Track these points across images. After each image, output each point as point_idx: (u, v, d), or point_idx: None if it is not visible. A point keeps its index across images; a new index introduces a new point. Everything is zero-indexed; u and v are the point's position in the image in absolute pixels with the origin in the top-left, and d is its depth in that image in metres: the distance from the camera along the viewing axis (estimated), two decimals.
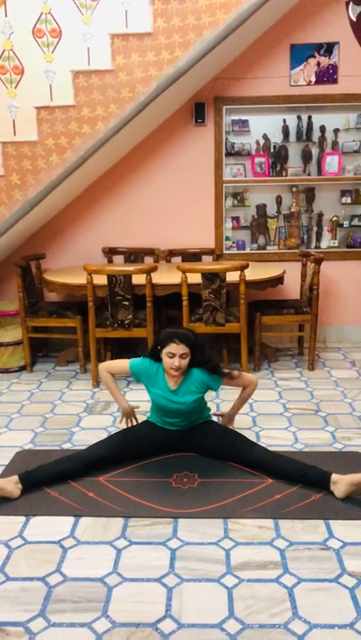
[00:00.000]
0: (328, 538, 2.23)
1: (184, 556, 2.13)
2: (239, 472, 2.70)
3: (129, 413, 2.98)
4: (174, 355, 2.63)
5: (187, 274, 3.75)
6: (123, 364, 2.89)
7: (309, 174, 4.66)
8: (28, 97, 3.97)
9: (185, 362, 2.67)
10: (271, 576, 2.02)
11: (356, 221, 4.75)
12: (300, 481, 2.57)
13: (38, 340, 4.58)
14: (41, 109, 3.80)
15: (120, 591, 1.95)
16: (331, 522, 2.32)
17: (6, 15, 3.96)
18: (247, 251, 4.81)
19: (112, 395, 2.99)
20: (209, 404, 2.98)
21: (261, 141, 4.64)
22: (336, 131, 4.60)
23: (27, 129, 3.91)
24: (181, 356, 2.64)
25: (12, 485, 2.50)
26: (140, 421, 2.99)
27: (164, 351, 2.66)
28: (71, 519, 2.37)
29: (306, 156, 4.63)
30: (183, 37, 3.61)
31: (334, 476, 2.50)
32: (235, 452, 2.74)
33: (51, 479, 2.60)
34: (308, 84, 4.47)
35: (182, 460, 2.81)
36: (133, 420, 2.99)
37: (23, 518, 2.38)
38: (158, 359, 2.73)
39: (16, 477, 2.54)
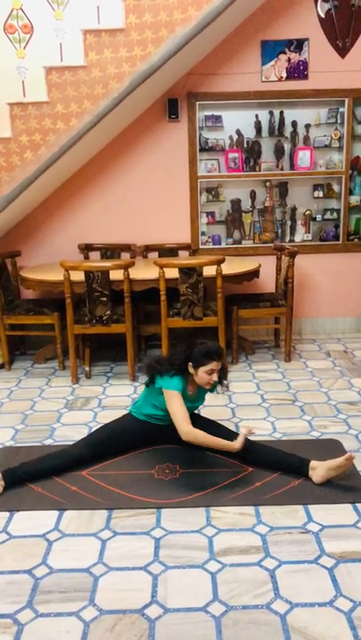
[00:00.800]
0: (307, 522, 2.30)
1: (168, 545, 2.17)
2: (220, 461, 2.75)
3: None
4: (214, 371, 2.66)
5: (164, 269, 3.78)
6: (178, 400, 2.62)
7: (282, 169, 4.73)
8: (1, 93, 3.94)
9: (218, 375, 2.71)
10: (253, 560, 2.07)
11: (328, 215, 4.85)
12: (279, 468, 2.64)
13: (16, 338, 4.56)
14: (14, 106, 3.78)
15: (106, 580, 1.98)
16: (310, 506, 2.39)
17: None
18: (223, 245, 4.87)
19: (217, 446, 2.60)
20: None
21: (235, 137, 4.69)
22: (307, 126, 4.68)
23: (0, 125, 3.89)
24: (218, 372, 2.68)
25: None
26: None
27: (205, 369, 2.63)
28: (55, 513, 2.39)
29: (278, 151, 4.71)
30: (155, 34, 3.63)
31: (313, 463, 2.57)
32: None
33: (34, 477, 2.61)
34: (280, 79, 4.54)
35: (164, 452, 2.85)
36: None
37: (7, 514, 2.39)
38: (185, 372, 2.69)
39: None
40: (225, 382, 2.86)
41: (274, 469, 2.65)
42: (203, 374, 2.65)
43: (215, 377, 2.68)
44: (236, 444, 2.55)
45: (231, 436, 2.81)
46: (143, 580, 1.98)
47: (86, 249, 4.72)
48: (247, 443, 2.75)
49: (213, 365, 2.65)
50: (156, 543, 2.18)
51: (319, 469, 2.54)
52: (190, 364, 2.66)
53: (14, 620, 1.80)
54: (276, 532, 2.23)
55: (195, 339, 2.74)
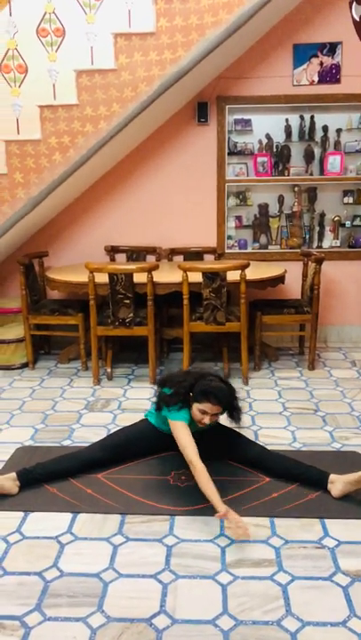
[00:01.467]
0: (323, 536, 2.24)
1: (180, 553, 2.15)
2: (237, 470, 2.71)
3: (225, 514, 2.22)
4: (206, 413, 2.53)
5: (188, 273, 3.77)
6: (184, 430, 2.50)
7: (312, 174, 4.66)
8: (32, 96, 3.99)
9: (215, 419, 2.59)
10: (266, 573, 2.03)
11: (357, 221, 4.75)
12: (297, 480, 2.59)
13: (40, 338, 4.61)
14: (44, 108, 3.83)
15: (116, 587, 1.97)
16: (326, 521, 2.34)
17: (10, 14, 3.99)
18: (249, 250, 4.82)
19: (207, 495, 2.29)
20: None
21: (264, 141, 4.65)
22: (339, 130, 4.60)
23: (30, 128, 3.94)
24: (213, 416, 2.55)
25: (10, 482, 2.52)
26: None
27: (198, 406, 2.52)
28: (69, 515, 2.39)
29: (308, 156, 4.64)
30: (186, 37, 3.62)
31: (333, 476, 2.51)
32: (233, 450, 2.75)
33: (48, 478, 2.62)
34: (311, 83, 4.47)
35: (180, 458, 2.79)
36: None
37: (22, 514, 2.40)
38: (188, 401, 2.59)
39: (14, 474, 2.56)
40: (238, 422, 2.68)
41: (292, 480, 2.59)
42: (195, 411, 2.54)
43: (207, 420, 2.53)
44: (222, 509, 2.18)
45: (249, 445, 2.77)
46: (153, 589, 1.96)
47: (112, 251, 4.73)
48: (265, 452, 2.72)
49: (207, 407, 2.51)
50: (167, 551, 2.16)
51: (338, 483, 2.48)
52: (191, 394, 2.57)
53: (22, 622, 1.80)
54: (290, 546, 2.19)
55: (209, 372, 2.64)
